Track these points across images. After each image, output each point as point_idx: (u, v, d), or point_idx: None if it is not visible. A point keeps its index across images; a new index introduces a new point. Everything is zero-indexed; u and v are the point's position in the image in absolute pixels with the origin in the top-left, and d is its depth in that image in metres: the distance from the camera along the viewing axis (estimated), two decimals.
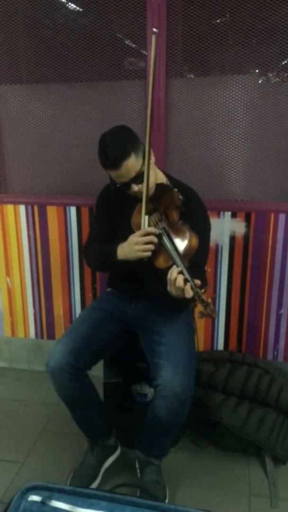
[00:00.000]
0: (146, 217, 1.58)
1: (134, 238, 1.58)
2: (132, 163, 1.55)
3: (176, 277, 1.38)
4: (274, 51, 2.04)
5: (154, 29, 1.44)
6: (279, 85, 2.13)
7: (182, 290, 1.37)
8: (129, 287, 1.84)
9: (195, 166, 2.25)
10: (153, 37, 1.44)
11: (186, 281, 1.37)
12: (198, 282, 1.37)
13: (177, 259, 1.43)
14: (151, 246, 1.54)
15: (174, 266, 1.42)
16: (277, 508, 1.75)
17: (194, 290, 1.35)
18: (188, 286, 1.36)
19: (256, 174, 2.22)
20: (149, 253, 1.55)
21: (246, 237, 2.24)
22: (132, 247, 1.57)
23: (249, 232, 2.23)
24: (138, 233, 1.57)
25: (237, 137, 2.18)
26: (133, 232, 1.62)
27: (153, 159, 1.66)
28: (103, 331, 1.77)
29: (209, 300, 1.35)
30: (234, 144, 2.19)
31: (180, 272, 1.39)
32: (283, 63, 2.07)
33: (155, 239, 1.54)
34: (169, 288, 1.43)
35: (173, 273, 1.40)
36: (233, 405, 2.01)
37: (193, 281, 1.36)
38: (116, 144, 1.54)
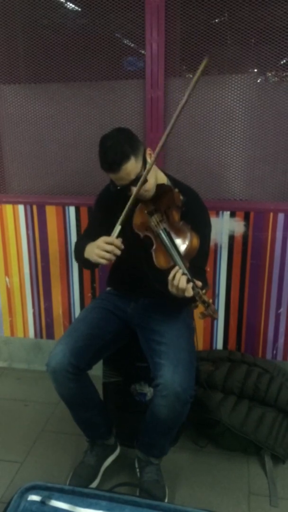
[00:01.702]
0: (119, 227, 1.55)
1: (99, 241, 1.56)
2: (132, 166, 1.54)
3: (180, 278, 1.39)
4: (272, 51, 2.04)
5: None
6: (278, 84, 2.12)
7: (183, 290, 1.37)
8: (129, 286, 1.84)
9: (194, 165, 2.25)
10: (205, 60, 1.39)
11: (188, 281, 1.37)
12: (199, 283, 1.38)
13: (178, 260, 1.43)
14: (109, 256, 1.53)
15: (177, 267, 1.42)
16: (277, 507, 1.76)
17: (195, 291, 1.35)
18: (189, 285, 1.36)
19: (255, 174, 2.22)
20: (104, 261, 1.54)
21: (245, 237, 2.24)
22: (93, 249, 1.56)
23: (248, 232, 2.23)
24: (104, 238, 1.55)
25: (236, 136, 2.18)
26: (134, 233, 1.62)
27: (153, 159, 1.66)
28: (104, 331, 1.77)
29: (210, 301, 1.35)
30: (233, 144, 2.19)
31: (182, 273, 1.39)
32: (282, 62, 2.07)
33: (116, 251, 1.53)
34: (170, 287, 1.43)
35: (176, 275, 1.40)
36: (233, 404, 2.02)
37: (194, 282, 1.36)
38: (116, 147, 1.53)
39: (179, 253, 1.46)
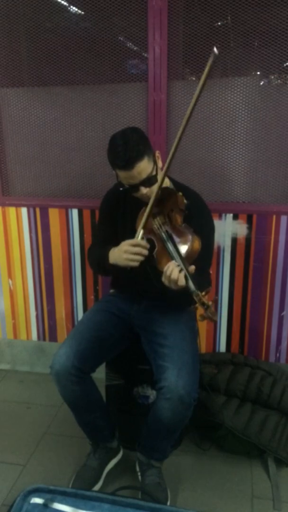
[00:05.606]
0: (142, 230, 1.58)
1: (124, 246, 1.58)
2: (145, 165, 1.56)
3: (173, 268, 1.41)
4: (275, 53, 2.04)
5: (215, 50, 1.34)
6: (281, 87, 2.13)
7: (175, 282, 1.40)
8: (132, 288, 1.84)
9: (197, 168, 2.25)
10: (211, 56, 1.33)
11: (186, 278, 1.39)
12: (192, 267, 1.41)
13: (179, 262, 1.44)
14: (139, 257, 1.55)
15: (174, 262, 1.45)
16: (280, 510, 1.75)
17: (195, 293, 1.36)
18: (181, 274, 1.39)
19: (257, 176, 2.22)
20: (135, 263, 1.56)
21: (247, 239, 2.24)
22: (121, 254, 1.58)
23: (251, 234, 2.23)
24: (128, 241, 1.58)
25: (238, 139, 2.18)
26: None
27: (160, 163, 1.66)
28: (107, 333, 1.77)
29: (210, 303, 1.36)
30: (235, 146, 2.19)
31: (181, 272, 1.41)
32: (285, 65, 2.07)
33: (144, 251, 1.55)
34: (163, 279, 1.46)
35: (174, 272, 1.41)
36: (235, 407, 2.01)
37: (193, 281, 1.37)
38: (131, 145, 1.54)
39: (180, 255, 1.47)
